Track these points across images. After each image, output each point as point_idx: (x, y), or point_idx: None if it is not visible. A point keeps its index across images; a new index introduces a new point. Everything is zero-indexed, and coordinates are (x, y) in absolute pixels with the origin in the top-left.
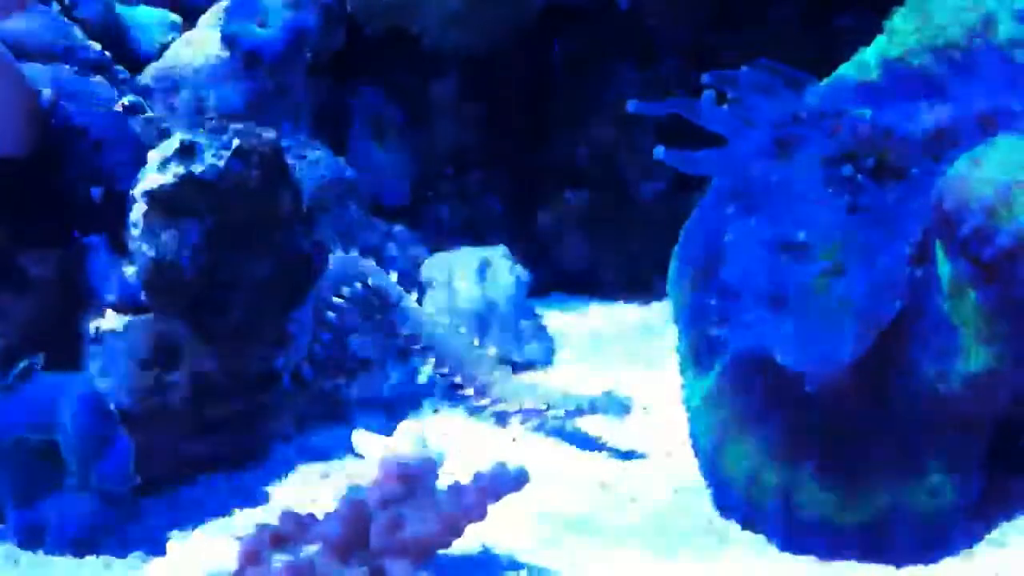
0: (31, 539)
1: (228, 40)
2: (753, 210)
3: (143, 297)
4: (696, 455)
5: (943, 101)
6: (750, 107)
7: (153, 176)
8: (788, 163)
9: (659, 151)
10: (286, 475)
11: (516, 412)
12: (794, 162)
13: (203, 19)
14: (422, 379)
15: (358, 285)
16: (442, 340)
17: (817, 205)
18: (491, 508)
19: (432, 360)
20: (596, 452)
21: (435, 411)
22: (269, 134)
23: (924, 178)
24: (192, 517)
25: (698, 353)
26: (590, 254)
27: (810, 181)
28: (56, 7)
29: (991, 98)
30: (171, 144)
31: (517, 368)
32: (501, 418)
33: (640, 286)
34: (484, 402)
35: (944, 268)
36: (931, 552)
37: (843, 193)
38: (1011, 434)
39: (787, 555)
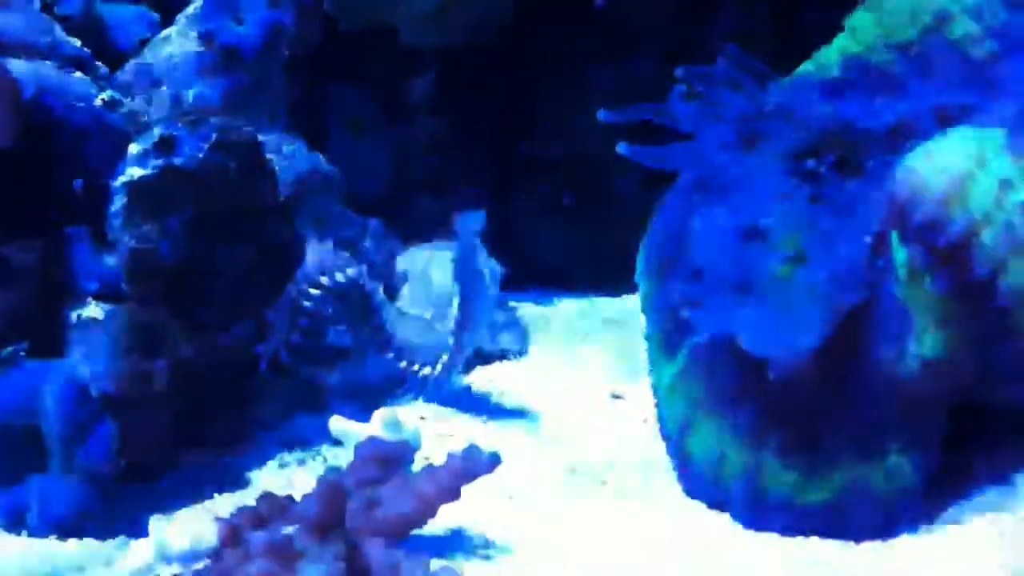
0: (14, 522)
1: (205, 36)
2: (718, 200)
3: (124, 286)
4: (664, 438)
5: (901, 96)
6: (717, 102)
7: (133, 168)
8: (752, 156)
9: (623, 147)
10: (266, 461)
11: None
12: (757, 155)
13: (181, 16)
14: (399, 368)
15: (337, 276)
16: (404, 332)
17: (780, 195)
18: (464, 489)
19: (398, 351)
20: (566, 438)
21: (413, 399)
22: (247, 127)
23: (881, 170)
24: (173, 501)
25: (666, 339)
26: (564, 248)
27: (773, 173)
28: (37, 3)
29: (947, 93)
30: (151, 136)
31: (490, 358)
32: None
33: (614, 280)
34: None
35: (900, 256)
36: (889, 529)
37: (805, 184)
38: (966, 414)
39: (752, 532)
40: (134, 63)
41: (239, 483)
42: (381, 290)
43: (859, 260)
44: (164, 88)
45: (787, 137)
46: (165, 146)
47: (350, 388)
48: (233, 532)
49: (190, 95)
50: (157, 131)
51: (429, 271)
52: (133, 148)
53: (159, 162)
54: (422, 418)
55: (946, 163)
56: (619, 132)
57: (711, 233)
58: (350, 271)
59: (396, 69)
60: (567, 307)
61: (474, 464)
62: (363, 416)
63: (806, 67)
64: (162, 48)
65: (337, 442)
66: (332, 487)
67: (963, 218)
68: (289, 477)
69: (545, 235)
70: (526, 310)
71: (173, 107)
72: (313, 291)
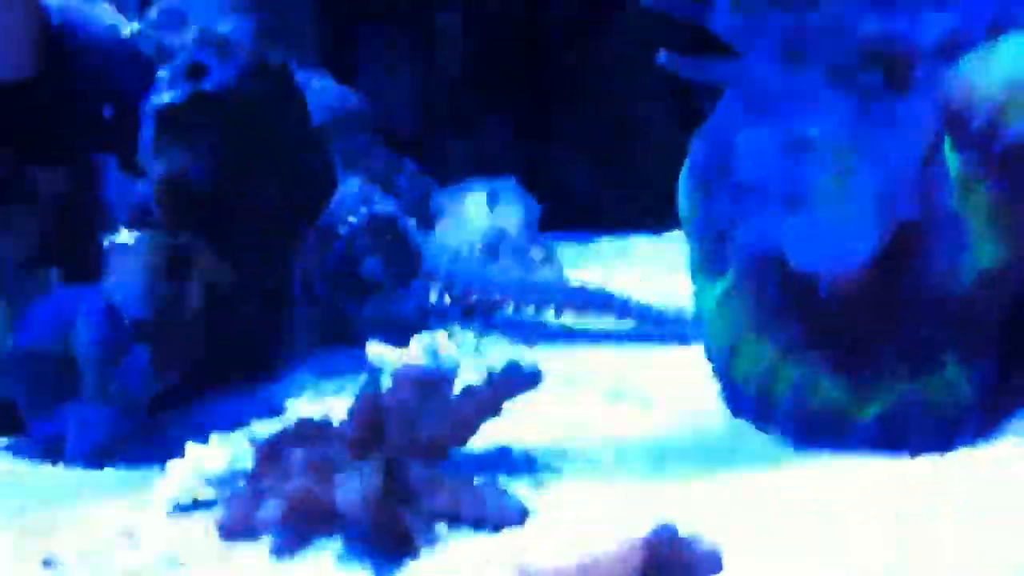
0: (51, 449)
1: None
2: (764, 116)
3: (155, 212)
4: (709, 359)
5: (951, 6)
6: (763, 15)
7: (163, 94)
8: (798, 70)
9: (662, 57)
10: (301, 390)
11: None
12: (804, 70)
13: None
14: (433, 300)
15: (370, 208)
16: (447, 264)
17: (829, 108)
18: (506, 406)
19: (440, 285)
20: (607, 364)
21: (448, 332)
22: (277, 55)
23: (931, 81)
24: (208, 428)
25: (711, 259)
26: (598, 186)
27: (820, 87)
28: None
29: (997, 1)
30: (181, 62)
31: None
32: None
33: (647, 218)
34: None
35: (954, 166)
36: (946, 442)
37: (853, 98)
38: (1021, 326)
39: (801, 451)
40: (163, 2)
41: (274, 410)
42: (414, 224)
43: (912, 171)
44: (193, 27)
45: (834, 52)
46: (195, 72)
47: (384, 320)
48: (271, 453)
49: (219, 33)
50: (187, 57)
51: (463, 208)
52: (163, 74)
53: (188, 88)
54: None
55: (1000, 69)
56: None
57: (757, 148)
58: (382, 204)
59: (424, 4)
60: (604, 245)
61: (515, 380)
62: (400, 343)
63: None
64: None
65: (374, 370)
66: (371, 405)
67: (1019, 123)
68: (324, 406)
69: (579, 173)
70: (562, 247)
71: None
72: (345, 224)
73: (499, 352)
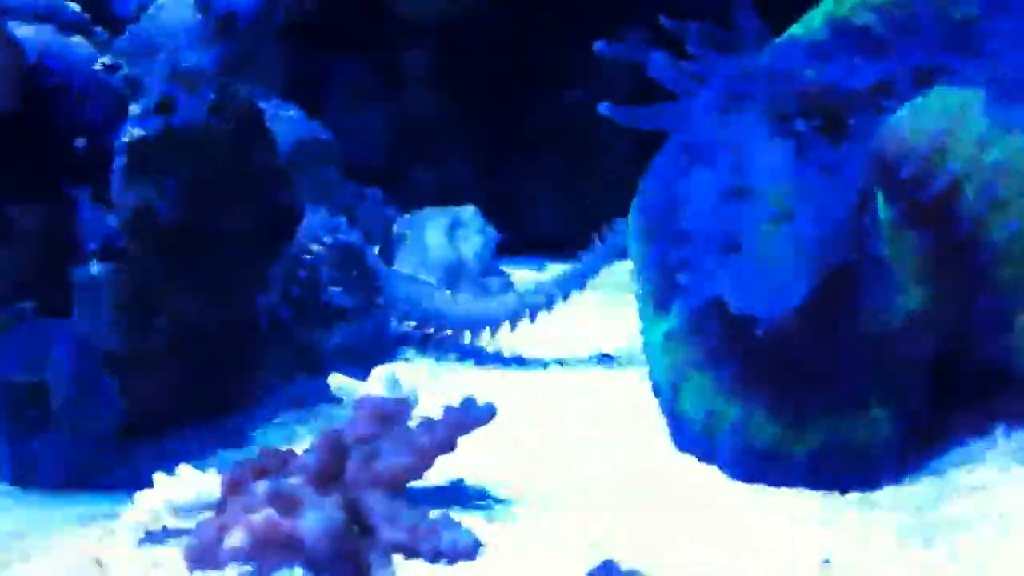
0: (23, 477)
1: (202, 3)
2: (705, 162)
3: (123, 244)
4: (656, 394)
5: (884, 57)
6: (703, 62)
7: (134, 128)
8: (738, 117)
9: (604, 108)
10: (267, 421)
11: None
12: (744, 116)
13: None
14: (393, 328)
15: (333, 238)
16: (407, 293)
17: (766, 154)
18: (460, 441)
19: (399, 313)
20: (559, 393)
21: (406, 359)
22: (245, 91)
23: (865, 129)
24: (177, 459)
25: (657, 298)
26: (559, 216)
27: (759, 133)
28: None
29: (928, 54)
30: (151, 98)
31: None
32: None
33: None
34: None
35: (885, 213)
36: (872, 480)
37: (791, 144)
38: (947, 369)
39: (740, 484)
40: (131, 30)
41: (242, 442)
42: (377, 252)
43: (845, 217)
44: (161, 55)
45: (773, 98)
46: (164, 107)
47: (348, 349)
48: (236, 484)
49: (186, 62)
50: (157, 92)
51: (424, 235)
52: (133, 109)
53: (159, 123)
54: (417, 372)
55: (929, 122)
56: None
57: (698, 194)
58: (345, 234)
59: (393, 40)
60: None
61: (470, 416)
62: (362, 375)
63: (793, 30)
64: (159, 15)
65: (337, 401)
66: (333, 440)
67: (945, 176)
68: (290, 436)
69: (539, 203)
70: (521, 275)
71: (170, 73)
72: (309, 254)
73: (454, 376)
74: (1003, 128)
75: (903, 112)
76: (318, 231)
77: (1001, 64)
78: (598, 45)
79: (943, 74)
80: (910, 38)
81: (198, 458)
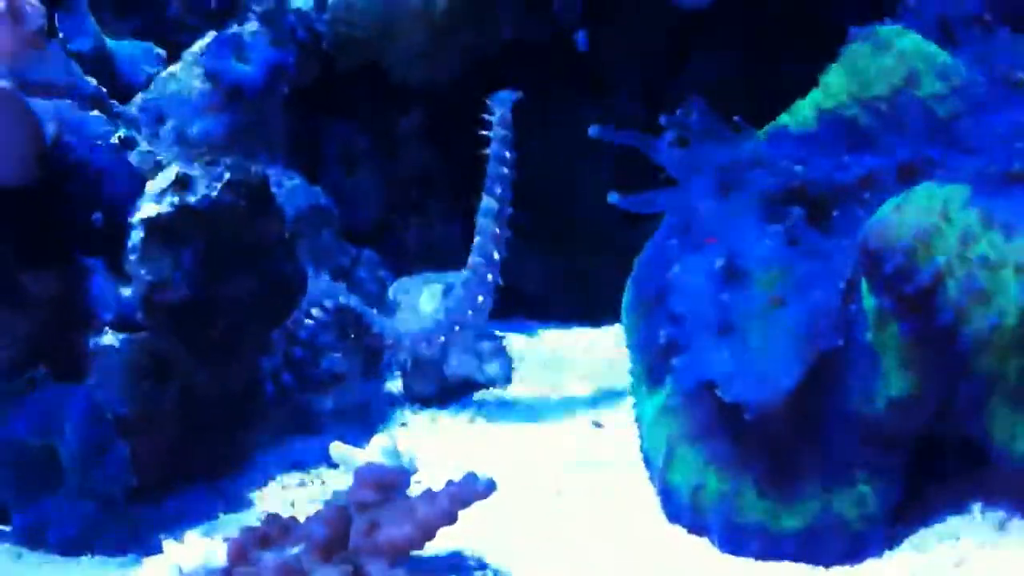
0: (33, 539)
1: (211, 75)
2: (699, 246)
3: (139, 316)
4: (647, 465)
5: (871, 150)
6: (700, 152)
7: (151, 205)
8: (731, 202)
9: (613, 197)
10: (266, 483)
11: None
12: (736, 202)
13: (186, 54)
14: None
15: (328, 304)
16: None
17: (758, 239)
18: (461, 513)
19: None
20: (551, 464)
21: (403, 424)
22: (257, 167)
23: (852, 220)
24: (180, 520)
25: (650, 373)
26: (545, 279)
27: (751, 218)
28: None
29: (914, 148)
30: (168, 175)
31: (478, 386)
32: None
33: (593, 310)
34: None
35: (869, 302)
36: (857, 554)
37: (781, 230)
38: (930, 448)
39: (729, 556)
40: (141, 97)
41: (242, 504)
42: (374, 312)
43: (832, 306)
44: (170, 123)
45: (764, 187)
46: (182, 185)
47: (345, 411)
48: (241, 551)
49: (195, 130)
50: (174, 170)
51: (418, 301)
52: (150, 186)
53: (175, 200)
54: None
55: (914, 217)
56: (598, 167)
57: (692, 277)
58: (344, 299)
59: (386, 106)
60: (549, 336)
61: (471, 490)
62: (358, 439)
63: (783, 119)
64: (168, 84)
65: (334, 465)
66: (338, 510)
67: (929, 269)
68: (289, 498)
69: (527, 266)
70: (510, 340)
71: (177, 142)
72: (309, 320)
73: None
74: (987, 223)
75: (890, 206)
76: (320, 297)
77: (986, 159)
78: (593, 130)
79: (929, 167)
80: (896, 132)
81: (198, 520)
